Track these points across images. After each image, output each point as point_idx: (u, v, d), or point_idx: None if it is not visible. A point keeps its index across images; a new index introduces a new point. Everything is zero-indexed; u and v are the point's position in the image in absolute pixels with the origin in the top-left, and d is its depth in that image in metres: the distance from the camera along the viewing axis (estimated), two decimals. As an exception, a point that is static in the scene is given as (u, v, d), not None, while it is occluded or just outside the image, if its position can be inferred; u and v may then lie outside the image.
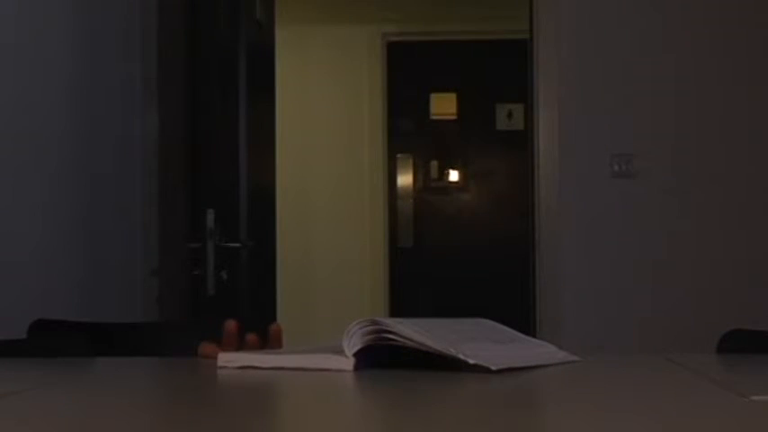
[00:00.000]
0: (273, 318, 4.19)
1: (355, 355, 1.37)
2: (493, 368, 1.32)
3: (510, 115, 6.72)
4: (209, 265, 3.60)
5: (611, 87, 4.10)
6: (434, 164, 6.86)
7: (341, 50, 6.80)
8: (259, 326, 1.89)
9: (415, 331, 1.37)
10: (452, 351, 1.34)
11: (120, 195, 3.64)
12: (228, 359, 1.48)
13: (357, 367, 1.37)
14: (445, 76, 6.84)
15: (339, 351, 1.39)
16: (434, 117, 6.90)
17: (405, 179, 6.84)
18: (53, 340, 2.04)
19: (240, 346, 1.62)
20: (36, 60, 3.06)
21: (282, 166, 4.57)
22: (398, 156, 6.83)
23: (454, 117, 6.88)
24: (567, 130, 4.08)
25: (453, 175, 6.87)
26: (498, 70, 6.63)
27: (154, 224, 3.74)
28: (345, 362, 1.37)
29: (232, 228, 3.72)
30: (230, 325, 1.60)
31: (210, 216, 3.61)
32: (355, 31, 6.78)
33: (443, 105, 6.88)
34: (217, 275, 3.61)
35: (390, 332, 1.37)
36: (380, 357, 1.38)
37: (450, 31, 6.70)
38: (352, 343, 1.37)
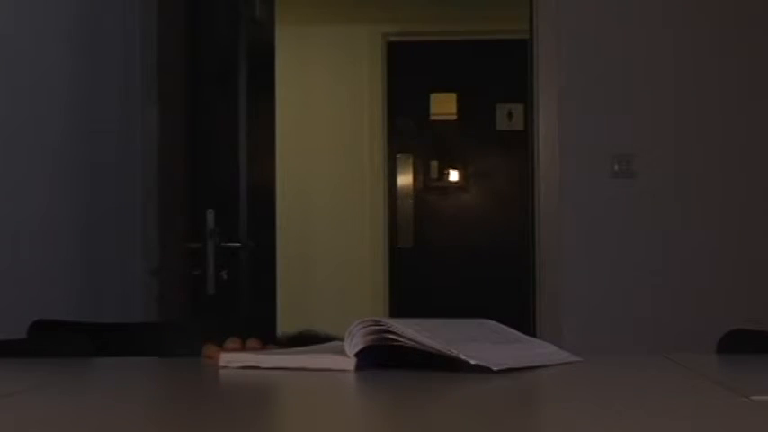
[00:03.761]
0: (273, 318, 4.19)
1: (356, 354, 1.37)
2: (494, 368, 1.32)
3: (510, 115, 6.72)
4: (209, 265, 3.60)
5: (611, 87, 4.10)
6: (434, 164, 6.86)
7: (341, 50, 6.80)
8: (259, 330, 1.89)
9: (417, 331, 1.37)
10: (453, 351, 1.34)
11: (119, 195, 3.64)
12: (230, 359, 1.48)
13: (358, 367, 1.37)
14: (445, 76, 6.84)
15: (340, 351, 1.39)
16: (434, 117, 6.89)
17: (405, 179, 6.84)
18: (53, 340, 2.04)
19: (242, 349, 1.61)
20: (36, 60, 3.06)
21: (282, 166, 4.57)
22: (398, 156, 6.83)
23: (454, 117, 6.88)
24: (567, 130, 4.08)
25: (453, 175, 6.87)
26: (498, 70, 6.63)
27: (154, 224, 3.74)
28: (347, 362, 1.37)
29: (232, 228, 3.72)
30: (233, 341, 1.60)
31: (210, 216, 3.61)
32: (355, 31, 6.77)
33: (443, 105, 6.87)
34: (217, 275, 3.60)
35: (392, 332, 1.37)
36: (382, 357, 1.39)
37: (451, 31, 6.70)
38: (354, 343, 1.37)
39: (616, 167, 4.07)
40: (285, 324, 4.58)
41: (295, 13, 6.15)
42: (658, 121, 4.08)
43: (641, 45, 4.10)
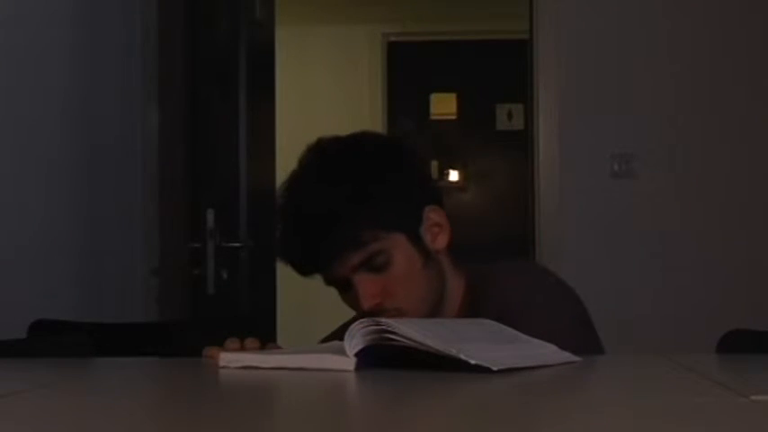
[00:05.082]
0: (273, 318, 4.19)
1: (356, 354, 1.37)
2: (494, 368, 1.32)
3: (510, 115, 6.72)
4: (209, 264, 3.60)
5: (611, 87, 4.10)
6: (434, 164, 6.85)
7: (341, 50, 6.79)
8: (259, 328, 1.89)
9: (417, 331, 1.37)
10: (453, 351, 1.34)
11: (120, 195, 3.65)
12: (230, 359, 1.48)
13: (358, 367, 1.37)
14: (445, 76, 6.84)
15: (340, 351, 1.39)
16: (434, 117, 6.89)
17: (405, 179, 6.82)
18: (53, 340, 2.04)
19: (242, 349, 1.62)
20: (36, 61, 3.06)
21: (282, 166, 4.55)
22: (398, 156, 6.82)
23: (454, 117, 6.88)
24: (567, 130, 4.08)
25: (453, 175, 6.86)
26: (498, 70, 6.63)
27: (154, 224, 3.74)
28: (347, 362, 1.37)
29: (232, 228, 3.72)
30: (233, 341, 1.61)
31: (210, 216, 3.61)
32: (355, 31, 6.77)
33: (443, 105, 6.87)
34: (217, 275, 3.61)
35: (392, 332, 1.37)
36: (382, 357, 1.39)
37: (451, 31, 6.70)
38: (354, 343, 1.37)
39: (616, 167, 4.07)
40: (285, 323, 4.58)
41: (295, 13, 6.15)
42: (658, 121, 4.08)
43: (641, 45, 4.10)
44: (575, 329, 1.76)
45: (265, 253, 3.90)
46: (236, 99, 3.80)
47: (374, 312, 1.69)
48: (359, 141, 1.82)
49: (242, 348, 1.59)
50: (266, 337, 1.69)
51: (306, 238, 1.72)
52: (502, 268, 1.87)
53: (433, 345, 1.35)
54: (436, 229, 1.80)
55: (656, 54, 4.09)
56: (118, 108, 3.66)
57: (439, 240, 1.80)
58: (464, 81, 6.82)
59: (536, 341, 1.53)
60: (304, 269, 1.77)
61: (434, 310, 1.77)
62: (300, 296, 6.40)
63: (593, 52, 4.11)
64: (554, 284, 1.86)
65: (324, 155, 1.79)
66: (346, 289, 1.74)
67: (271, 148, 4.16)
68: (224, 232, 3.65)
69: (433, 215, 1.80)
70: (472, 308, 1.79)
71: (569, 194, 4.07)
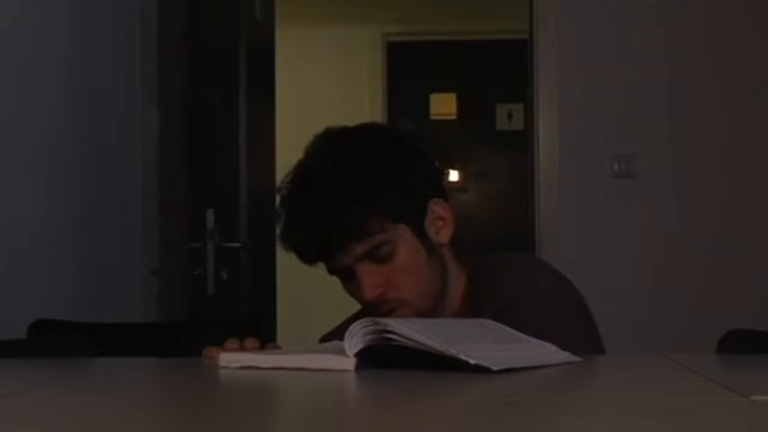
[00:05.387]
0: (273, 318, 4.19)
1: (356, 354, 1.37)
2: (494, 368, 1.32)
3: (510, 115, 6.72)
4: (209, 265, 3.59)
5: (611, 87, 4.10)
6: (434, 164, 6.84)
7: (341, 50, 6.79)
8: (259, 328, 1.89)
9: (417, 331, 1.37)
10: (453, 351, 1.34)
11: (120, 195, 3.64)
12: (230, 359, 1.48)
13: (358, 367, 1.37)
14: (445, 76, 6.84)
15: (340, 351, 1.39)
16: (434, 117, 6.89)
17: (405, 179, 6.82)
18: (53, 340, 2.04)
19: (242, 349, 1.62)
20: (35, 60, 3.06)
21: (282, 166, 4.56)
22: (398, 156, 6.81)
23: (454, 117, 6.88)
24: (567, 130, 4.08)
25: (453, 175, 6.86)
26: (498, 70, 6.63)
27: (154, 224, 3.74)
28: (347, 362, 1.37)
29: (232, 228, 3.72)
30: (233, 341, 1.61)
31: (210, 216, 3.60)
32: (355, 31, 6.77)
33: (443, 105, 6.87)
34: (217, 275, 3.60)
35: (392, 332, 1.37)
36: (382, 357, 1.39)
37: (450, 31, 6.69)
38: (354, 343, 1.37)
39: (616, 167, 4.07)
40: (285, 323, 4.58)
41: (295, 13, 6.15)
42: (658, 121, 4.08)
43: (640, 45, 4.10)
44: (575, 319, 1.77)
45: (265, 253, 3.90)
46: (236, 99, 3.80)
47: (377, 303, 1.70)
48: (367, 132, 1.83)
49: (242, 348, 1.59)
50: (266, 337, 1.69)
51: (311, 227, 1.72)
52: (502, 261, 1.89)
53: (433, 345, 1.35)
54: (440, 222, 1.81)
55: (655, 54, 4.09)
56: (118, 108, 3.66)
57: (443, 234, 1.81)
58: (464, 81, 6.82)
59: (536, 341, 1.53)
60: (308, 257, 1.77)
61: (436, 302, 1.78)
62: (300, 296, 6.41)
63: (593, 52, 4.12)
64: (554, 276, 1.87)
65: (332, 145, 1.80)
66: (349, 278, 1.75)
67: (271, 148, 4.16)
68: (224, 232, 3.65)
69: (437, 208, 1.81)
70: (473, 301, 1.80)
71: (569, 194, 4.07)
